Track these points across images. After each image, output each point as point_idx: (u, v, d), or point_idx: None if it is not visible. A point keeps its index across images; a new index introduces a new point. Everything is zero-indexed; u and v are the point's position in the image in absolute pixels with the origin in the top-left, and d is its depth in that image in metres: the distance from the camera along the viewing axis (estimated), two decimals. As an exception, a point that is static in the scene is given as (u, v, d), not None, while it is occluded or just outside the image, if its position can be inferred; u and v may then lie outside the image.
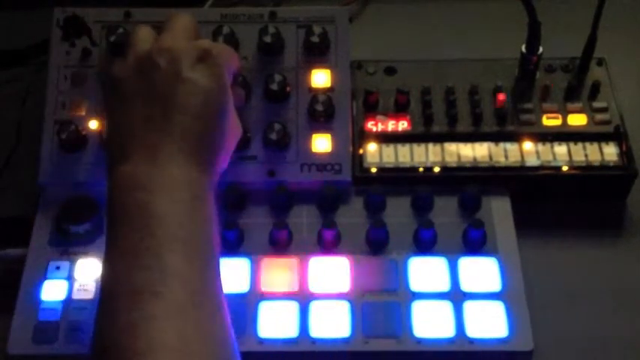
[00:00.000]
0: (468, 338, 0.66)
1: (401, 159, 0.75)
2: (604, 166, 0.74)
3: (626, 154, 0.74)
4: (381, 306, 0.67)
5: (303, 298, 0.68)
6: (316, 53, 0.76)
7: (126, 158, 0.56)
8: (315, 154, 0.74)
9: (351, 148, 0.74)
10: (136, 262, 0.51)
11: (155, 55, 0.59)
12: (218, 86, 0.59)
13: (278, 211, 0.73)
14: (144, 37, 0.62)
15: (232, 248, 0.70)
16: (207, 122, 0.58)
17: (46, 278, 0.69)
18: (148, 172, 0.55)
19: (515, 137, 0.76)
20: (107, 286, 0.52)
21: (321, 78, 0.76)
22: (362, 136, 0.76)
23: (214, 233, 0.56)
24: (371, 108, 0.78)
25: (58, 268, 0.70)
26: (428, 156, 0.75)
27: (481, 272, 0.69)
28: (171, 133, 0.56)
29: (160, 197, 0.54)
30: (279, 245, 0.71)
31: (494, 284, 0.68)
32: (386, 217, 0.72)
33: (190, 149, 0.57)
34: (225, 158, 0.61)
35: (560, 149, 0.75)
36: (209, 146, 0.58)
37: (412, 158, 0.75)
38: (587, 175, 0.74)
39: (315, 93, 0.75)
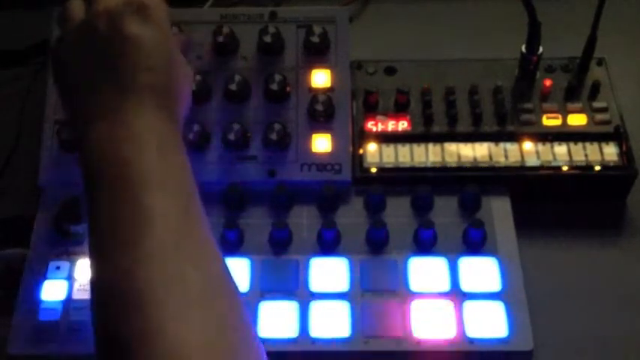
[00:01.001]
0: (468, 338, 0.66)
1: (401, 159, 0.75)
2: (604, 166, 0.74)
3: (626, 154, 0.74)
4: (381, 306, 0.67)
5: (303, 298, 0.68)
6: (316, 53, 0.76)
7: (90, 127, 0.56)
8: (315, 154, 0.74)
9: (351, 148, 0.74)
10: (118, 212, 0.51)
11: (93, 20, 0.60)
12: (161, 34, 0.60)
13: (278, 211, 0.73)
14: (75, 7, 0.63)
15: (232, 248, 0.70)
16: (158, 73, 0.58)
17: (46, 278, 0.69)
18: (114, 131, 0.55)
19: (515, 137, 0.76)
20: (92, 239, 0.52)
21: (321, 78, 0.76)
22: (362, 136, 0.76)
23: (190, 176, 0.56)
24: (371, 108, 0.78)
25: (58, 268, 0.70)
26: (428, 156, 0.75)
27: (481, 272, 0.69)
28: (127, 89, 0.57)
29: (131, 147, 0.54)
30: (279, 245, 0.71)
31: (494, 284, 0.68)
32: (386, 217, 0.72)
33: (149, 101, 0.57)
34: (184, 103, 0.62)
35: (560, 149, 0.75)
36: (166, 94, 0.59)
37: (412, 158, 0.75)
38: (587, 175, 0.74)
39: (315, 93, 0.75)
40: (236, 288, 0.53)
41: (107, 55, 0.58)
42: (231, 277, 0.53)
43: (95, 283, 0.51)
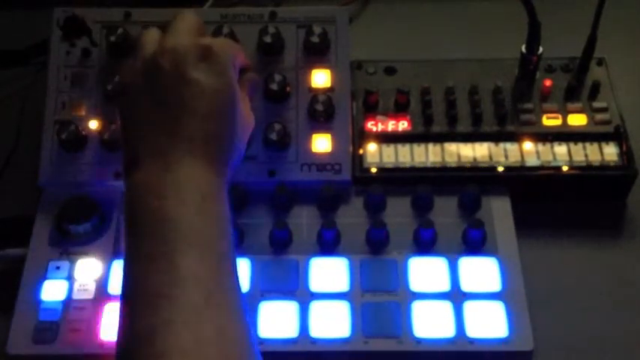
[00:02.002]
0: (468, 338, 0.66)
1: (401, 159, 0.75)
2: (604, 166, 0.74)
3: (626, 154, 0.74)
4: (381, 306, 0.67)
5: (303, 298, 0.68)
6: (316, 53, 0.76)
7: (138, 164, 0.56)
8: (315, 154, 0.74)
9: (351, 148, 0.74)
10: (151, 268, 0.51)
11: (159, 57, 0.59)
12: (223, 83, 0.59)
13: (278, 211, 0.73)
14: (150, 39, 0.62)
15: (232, 248, 0.70)
16: (214, 122, 0.58)
17: (46, 278, 0.69)
18: (159, 178, 0.55)
19: (515, 137, 0.76)
20: (125, 291, 0.53)
21: (321, 78, 0.76)
22: (362, 136, 0.76)
23: (228, 231, 0.56)
24: (371, 108, 0.78)
25: (58, 268, 0.70)
26: (428, 156, 0.75)
27: (481, 272, 0.69)
28: (179, 136, 0.57)
29: (172, 201, 0.54)
30: (279, 245, 0.71)
31: (494, 284, 0.68)
32: (386, 217, 0.72)
33: (199, 151, 0.57)
34: (236, 154, 0.61)
35: (560, 149, 0.75)
36: (218, 145, 0.58)
37: (412, 158, 0.75)
38: (587, 175, 0.74)
39: (315, 93, 0.75)
40: (256, 350, 0.52)
41: (165, 97, 0.58)
42: (252, 338, 0.53)
43: (120, 342, 0.51)
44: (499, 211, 0.73)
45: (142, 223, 0.54)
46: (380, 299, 0.68)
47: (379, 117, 0.77)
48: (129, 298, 0.52)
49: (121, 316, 0.52)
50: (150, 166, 0.56)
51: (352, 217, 0.73)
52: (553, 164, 0.74)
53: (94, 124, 0.75)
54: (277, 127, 0.73)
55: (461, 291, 0.68)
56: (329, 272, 0.69)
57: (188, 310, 0.50)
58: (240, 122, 0.61)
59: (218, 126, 0.58)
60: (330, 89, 0.76)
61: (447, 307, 0.67)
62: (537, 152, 0.75)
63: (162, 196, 0.54)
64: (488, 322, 0.66)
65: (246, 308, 0.54)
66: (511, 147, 0.75)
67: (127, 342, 0.50)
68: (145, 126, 0.58)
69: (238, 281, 0.55)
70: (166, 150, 0.56)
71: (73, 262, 0.70)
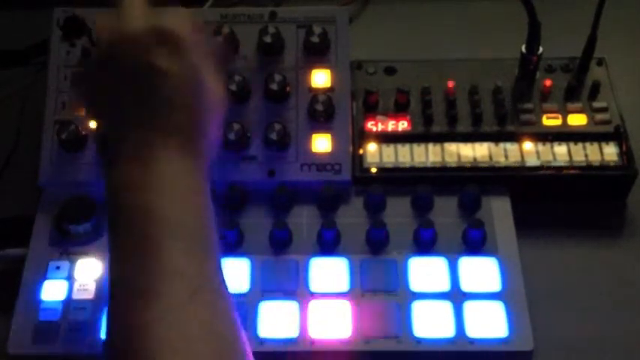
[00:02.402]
0: (468, 338, 0.66)
1: (401, 159, 0.75)
2: (604, 166, 0.74)
3: (626, 154, 0.74)
4: (381, 306, 0.67)
5: (303, 298, 0.68)
6: (316, 53, 0.76)
7: (116, 162, 0.55)
8: (315, 154, 0.74)
9: (351, 148, 0.74)
10: (136, 264, 0.51)
11: (117, 48, 0.56)
12: (187, 67, 0.56)
13: (278, 211, 0.73)
14: (105, 27, 0.59)
15: (232, 248, 0.70)
16: (184, 111, 0.56)
17: (46, 278, 0.69)
18: (138, 172, 0.54)
19: (515, 137, 0.76)
20: (111, 289, 0.52)
21: (321, 78, 0.76)
22: (362, 136, 0.76)
23: (211, 222, 0.55)
24: (371, 108, 0.78)
25: (58, 268, 0.70)
26: (428, 156, 0.75)
27: (481, 272, 0.69)
28: (151, 130, 0.55)
29: (153, 195, 0.53)
30: (279, 245, 0.71)
31: (494, 284, 0.68)
32: (386, 217, 0.72)
33: (175, 141, 0.55)
34: (213, 134, 0.59)
35: (560, 149, 0.75)
36: (194, 131, 0.56)
37: (412, 158, 0.75)
38: (587, 175, 0.74)
39: (315, 93, 0.75)
40: (243, 342, 0.52)
41: (132, 88, 0.56)
42: (239, 331, 0.52)
43: (110, 338, 0.51)
44: (499, 211, 0.73)
45: (125, 220, 0.53)
46: (380, 299, 0.68)
47: (379, 117, 0.77)
48: (116, 294, 0.52)
49: (108, 313, 0.52)
50: (129, 163, 0.55)
51: (352, 217, 0.72)
52: (553, 164, 0.74)
53: (94, 124, 0.75)
54: (277, 127, 0.73)
55: (461, 291, 0.68)
56: (329, 272, 0.69)
57: (175, 307, 0.49)
58: (210, 104, 0.58)
59: (190, 114, 0.56)
60: (330, 89, 0.76)
61: (447, 307, 0.67)
62: (537, 152, 0.75)
63: (143, 190, 0.53)
64: (489, 322, 0.66)
65: (233, 303, 0.53)
66: (511, 147, 0.75)
67: (115, 339, 0.50)
68: (115, 120, 0.56)
69: (223, 276, 0.54)
70: (143, 144, 0.55)
71: (73, 262, 0.70)
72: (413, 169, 0.75)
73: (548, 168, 0.74)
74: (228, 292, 0.54)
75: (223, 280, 0.54)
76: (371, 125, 0.77)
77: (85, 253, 0.71)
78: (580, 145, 0.75)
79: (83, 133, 0.74)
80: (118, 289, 0.52)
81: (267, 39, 0.75)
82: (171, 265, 0.51)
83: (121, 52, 0.56)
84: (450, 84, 0.78)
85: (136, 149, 0.55)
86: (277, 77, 0.74)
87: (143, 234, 0.52)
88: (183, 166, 0.55)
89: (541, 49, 0.77)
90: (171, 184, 0.54)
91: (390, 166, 0.75)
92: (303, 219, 0.72)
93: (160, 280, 0.50)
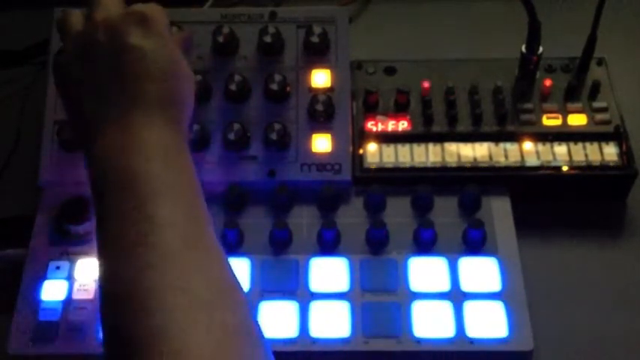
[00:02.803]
0: (468, 338, 0.66)
1: (401, 159, 0.75)
2: (604, 166, 0.74)
3: (626, 154, 0.74)
4: (381, 306, 0.67)
5: (303, 298, 0.68)
6: (316, 53, 0.76)
7: (95, 135, 0.57)
8: (315, 154, 0.74)
9: (351, 148, 0.74)
10: (125, 221, 0.52)
11: (92, 32, 0.60)
12: (162, 44, 0.60)
13: (278, 211, 0.73)
14: (74, 20, 0.63)
15: (232, 248, 0.70)
16: (162, 80, 0.59)
17: (46, 278, 0.69)
18: (120, 141, 0.56)
19: (515, 137, 0.76)
20: (102, 248, 0.53)
21: (321, 78, 0.76)
22: (362, 136, 0.76)
23: (195, 180, 0.57)
24: (371, 108, 0.78)
25: (58, 268, 0.70)
26: (428, 156, 0.75)
27: (481, 272, 0.69)
28: (131, 101, 0.57)
29: (137, 157, 0.55)
30: (279, 245, 0.71)
31: (494, 284, 0.68)
32: (386, 217, 0.72)
33: (154, 110, 0.58)
34: (188, 106, 0.62)
35: (560, 149, 0.75)
36: (171, 101, 0.59)
37: (412, 158, 0.75)
38: (587, 175, 0.74)
39: (315, 93, 0.75)
40: (241, 289, 0.53)
41: (110, 67, 0.58)
42: (235, 279, 0.53)
43: (103, 289, 0.52)
44: (499, 211, 0.73)
45: (111, 183, 0.54)
46: (380, 299, 0.68)
47: (379, 117, 0.77)
48: (107, 252, 0.52)
49: (101, 270, 0.52)
50: (109, 132, 0.56)
51: (352, 217, 0.72)
52: (553, 164, 0.74)
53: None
54: (277, 127, 0.73)
55: (461, 291, 0.68)
56: (329, 272, 0.69)
57: (169, 255, 0.50)
58: (184, 76, 0.61)
59: (166, 85, 0.59)
60: (330, 89, 0.76)
61: (447, 307, 0.67)
62: (537, 152, 0.75)
63: (126, 156, 0.55)
64: (488, 322, 0.66)
65: (224, 254, 0.54)
66: (511, 147, 0.75)
67: (112, 289, 0.51)
68: (93, 100, 0.59)
69: (212, 229, 0.55)
70: (123, 116, 0.57)
71: (73, 262, 0.70)
72: (413, 169, 0.75)
73: (548, 168, 0.74)
74: (221, 247, 0.55)
75: (214, 235, 0.55)
76: (371, 125, 0.77)
77: (85, 253, 0.71)
78: (580, 145, 0.75)
79: (83, 133, 0.74)
80: (108, 244, 0.52)
81: (267, 39, 0.75)
82: (161, 218, 0.52)
83: (99, 35, 0.59)
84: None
85: (118, 117, 0.57)
86: (277, 77, 0.74)
87: (130, 194, 0.53)
88: (164, 130, 0.57)
89: (541, 49, 0.77)
90: (154, 146, 0.56)
91: (390, 166, 0.75)
92: (303, 219, 0.72)
93: (152, 231, 0.51)
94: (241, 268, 0.69)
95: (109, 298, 0.51)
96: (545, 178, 0.74)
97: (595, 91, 0.78)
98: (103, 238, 0.53)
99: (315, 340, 0.66)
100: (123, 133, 0.56)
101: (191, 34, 0.74)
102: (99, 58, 0.59)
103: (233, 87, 0.74)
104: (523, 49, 0.78)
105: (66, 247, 0.71)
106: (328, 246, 0.71)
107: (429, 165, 0.75)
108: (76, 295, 0.68)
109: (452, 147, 0.75)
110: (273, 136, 0.73)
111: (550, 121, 0.76)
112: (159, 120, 0.57)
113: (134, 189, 0.53)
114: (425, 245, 0.70)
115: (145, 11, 0.60)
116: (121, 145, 0.56)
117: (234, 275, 0.53)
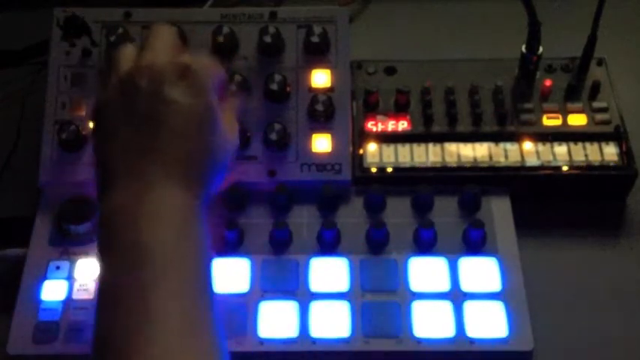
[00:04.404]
0: (468, 338, 0.66)
1: (401, 159, 0.75)
2: (604, 166, 0.74)
3: (626, 154, 0.74)
4: (381, 306, 0.67)
5: (303, 298, 0.68)
6: (316, 53, 0.76)
7: (114, 185, 0.55)
8: (315, 154, 0.74)
9: (351, 148, 0.74)
10: (125, 302, 0.50)
11: (135, 75, 0.57)
12: (201, 103, 0.57)
13: (278, 211, 0.73)
14: (126, 56, 0.61)
15: (232, 248, 0.70)
16: (193, 142, 0.57)
17: (46, 278, 0.69)
18: (135, 200, 0.54)
19: (515, 137, 0.76)
20: (100, 330, 0.51)
21: (321, 78, 0.76)
22: (362, 136, 0.76)
23: (205, 260, 0.55)
24: (371, 108, 0.78)
25: (58, 268, 0.70)
26: (428, 156, 0.75)
27: (481, 272, 0.69)
28: (156, 156, 0.55)
29: (148, 227, 0.52)
30: (279, 245, 0.71)
31: (495, 284, 0.68)
32: (386, 217, 0.72)
33: (177, 171, 0.55)
34: (217, 175, 0.59)
35: (560, 149, 0.75)
36: (197, 166, 0.57)
37: (412, 158, 0.75)
38: (587, 175, 0.74)
39: (315, 93, 0.75)
40: None
41: (142, 115, 0.56)
42: None
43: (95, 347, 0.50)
44: (499, 211, 0.73)
45: (118, 250, 0.52)
46: (380, 299, 0.68)
47: (379, 117, 0.77)
48: (104, 336, 0.51)
49: (96, 351, 0.51)
50: (126, 187, 0.54)
51: (352, 217, 0.72)
52: (553, 164, 0.74)
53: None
54: (277, 127, 0.73)
55: (461, 291, 0.68)
56: (329, 272, 0.69)
57: (162, 344, 0.48)
58: (220, 143, 0.59)
59: (195, 146, 0.57)
60: (330, 89, 0.76)
61: (447, 307, 0.67)
62: (537, 152, 0.75)
63: (138, 220, 0.53)
64: (488, 322, 0.66)
65: (223, 341, 0.52)
66: (511, 147, 0.75)
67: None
68: (120, 145, 0.56)
69: (214, 315, 0.53)
70: (142, 171, 0.55)
71: (73, 262, 0.70)
72: (413, 169, 0.75)
73: (548, 168, 0.74)
74: (218, 333, 0.52)
75: (214, 321, 0.53)
76: (371, 125, 0.77)
77: (85, 253, 0.71)
78: (580, 145, 0.75)
79: (83, 133, 0.74)
80: (106, 331, 0.51)
81: (267, 39, 0.75)
82: (159, 310, 0.50)
83: (140, 81, 0.57)
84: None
85: (136, 173, 0.55)
86: (277, 77, 0.74)
87: (133, 269, 0.51)
88: (182, 192, 0.55)
89: (541, 49, 0.77)
90: (168, 214, 0.54)
91: (390, 166, 0.75)
92: (303, 219, 0.72)
93: (148, 328, 0.49)
94: (241, 268, 0.69)
95: None
96: (545, 178, 0.74)
97: (595, 91, 0.78)
98: (100, 318, 0.51)
99: (315, 340, 0.66)
100: (138, 191, 0.54)
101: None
102: (135, 103, 0.57)
103: (233, 87, 0.74)
104: (523, 49, 0.78)
105: (66, 247, 0.71)
106: (328, 246, 0.71)
107: (429, 165, 0.75)
108: (76, 295, 0.68)
109: (452, 147, 0.75)
110: (273, 136, 0.73)
111: (550, 121, 0.76)
112: (178, 182, 0.55)
113: (140, 265, 0.51)
114: (425, 245, 0.70)
115: (190, 64, 0.58)
116: (134, 205, 0.53)
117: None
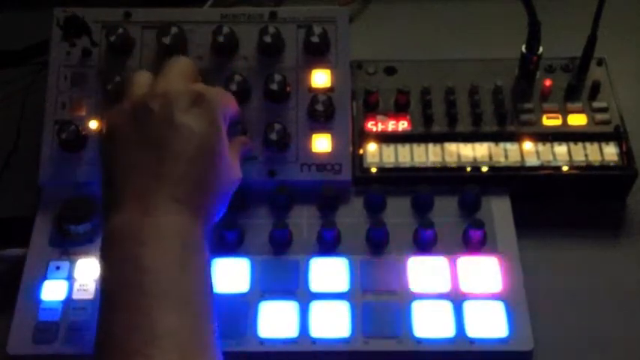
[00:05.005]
0: (468, 338, 0.66)
1: (401, 159, 0.75)
2: (604, 166, 0.74)
3: (626, 154, 0.74)
4: (381, 306, 0.67)
5: (303, 298, 0.68)
6: (316, 53, 0.76)
7: (119, 206, 0.55)
8: (315, 154, 0.74)
9: (351, 148, 0.74)
10: (129, 321, 0.51)
11: (149, 100, 0.59)
12: (211, 131, 0.59)
13: (278, 211, 0.73)
14: (140, 81, 0.62)
15: (232, 248, 0.70)
16: (200, 167, 0.57)
17: (46, 278, 0.69)
18: (139, 222, 0.54)
19: (515, 137, 0.76)
20: (101, 344, 0.52)
21: (321, 78, 0.76)
22: (362, 136, 0.76)
23: (207, 283, 0.55)
24: (371, 108, 0.78)
25: (58, 268, 0.70)
26: (428, 156, 0.75)
27: (481, 272, 0.69)
28: (163, 179, 0.56)
29: (152, 250, 0.53)
30: (279, 245, 0.71)
31: (495, 284, 0.68)
32: (386, 217, 0.72)
33: (182, 196, 0.56)
34: (220, 204, 0.60)
35: (560, 149, 0.75)
36: (202, 192, 0.58)
37: (412, 158, 0.75)
38: (587, 175, 0.74)
39: (315, 93, 0.75)
40: None
41: (152, 139, 0.57)
42: None
43: None
44: (499, 211, 0.73)
45: (120, 271, 0.53)
46: (380, 299, 0.68)
47: (379, 117, 0.77)
48: (105, 351, 0.51)
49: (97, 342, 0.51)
50: (131, 209, 0.55)
51: (352, 217, 0.73)
52: (553, 164, 0.74)
53: (94, 124, 0.75)
54: (277, 127, 0.73)
55: (461, 291, 0.68)
56: (329, 272, 0.69)
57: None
58: (225, 172, 0.60)
59: (203, 172, 0.58)
60: (330, 89, 0.76)
61: (447, 307, 0.67)
62: (537, 152, 0.75)
63: (142, 243, 0.53)
64: (488, 322, 0.66)
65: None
66: (511, 147, 0.75)
67: None
68: (128, 167, 0.57)
69: (216, 336, 0.54)
70: (148, 193, 0.55)
71: (73, 262, 0.70)
72: (413, 169, 0.75)
73: (548, 168, 0.74)
74: (218, 350, 0.53)
75: (215, 342, 0.53)
76: (371, 125, 0.77)
77: (85, 253, 0.71)
78: (580, 145, 0.75)
79: (83, 133, 0.74)
80: (109, 344, 0.51)
81: (267, 39, 0.75)
82: (162, 327, 0.50)
83: (153, 105, 0.58)
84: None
85: (142, 196, 0.55)
86: (277, 77, 0.74)
87: (136, 291, 0.51)
88: (187, 221, 0.56)
89: (541, 49, 0.77)
90: (171, 238, 0.54)
91: (390, 166, 0.75)
92: (303, 219, 0.72)
93: (151, 342, 0.49)
94: (241, 268, 0.69)
95: None
96: (545, 178, 0.74)
97: (595, 91, 0.78)
98: (103, 331, 0.52)
99: (315, 340, 0.66)
100: (143, 214, 0.54)
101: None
102: (146, 127, 0.58)
103: (233, 87, 0.74)
104: (523, 49, 0.78)
105: (66, 247, 0.71)
106: (328, 246, 0.71)
107: (429, 165, 0.75)
108: (76, 295, 0.68)
109: (452, 147, 0.75)
110: (273, 136, 0.73)
111: (550, 121, 0.77)
112: (184, 207, 0.55)
113: (142, 285, 0.51)
114: (425, 245, 0.70)
115: (204, 93, 0.59)
116: (138, 228, 0.54)
117: None
